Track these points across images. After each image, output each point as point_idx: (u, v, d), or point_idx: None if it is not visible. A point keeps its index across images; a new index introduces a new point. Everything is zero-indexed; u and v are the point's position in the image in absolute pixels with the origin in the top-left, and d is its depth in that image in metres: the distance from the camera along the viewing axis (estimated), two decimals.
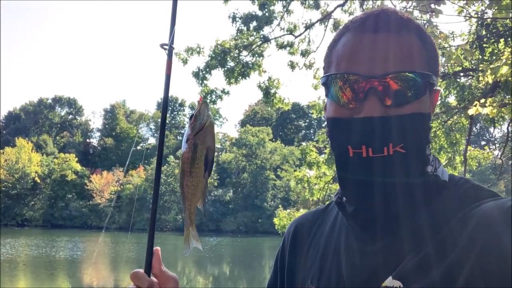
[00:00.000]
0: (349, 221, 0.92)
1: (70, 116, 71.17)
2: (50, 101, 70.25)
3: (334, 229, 0.99)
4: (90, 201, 52.74)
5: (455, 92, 7.82)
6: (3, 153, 52.32)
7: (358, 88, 0.83)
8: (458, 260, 0.70)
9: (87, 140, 68.39)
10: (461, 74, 7.27)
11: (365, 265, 0.85)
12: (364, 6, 8.25)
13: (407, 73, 0.82)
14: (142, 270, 0.95)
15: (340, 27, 0.93)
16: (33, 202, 52.75)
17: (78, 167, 55.67)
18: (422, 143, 0.85)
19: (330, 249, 0.96)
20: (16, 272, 19.80)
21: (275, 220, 9.80)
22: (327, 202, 1.13)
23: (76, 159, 56.61)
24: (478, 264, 0.67)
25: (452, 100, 8.33)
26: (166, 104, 1.02)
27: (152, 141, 66.75)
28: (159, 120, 1.02)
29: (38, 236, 38.82)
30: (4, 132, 64.74)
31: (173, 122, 68.07)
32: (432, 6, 2.98)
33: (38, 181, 53.09)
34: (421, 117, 0.84)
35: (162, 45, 1.02)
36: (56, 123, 68.54)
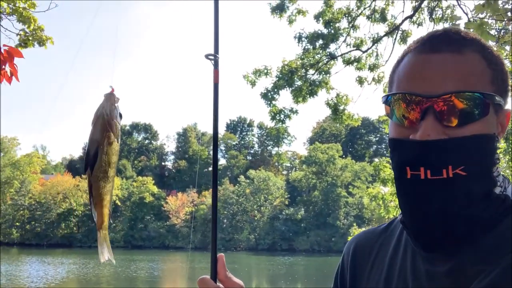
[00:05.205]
0: (414, 242, 0.90)
1: (147, 141, 74.64)
2: (128, 127, 74.38)
3: (399, 249, 0.97)
4: (167, 222, 54.67)
5: None
6: None
7: (416, 108, 0.83)
8: None
9: (162, 163, 71.32)
10: None
11: (433, 287, 0.84)
12: (434, 16, 8.00)
13: (467, 93, 0.80)
14: (208, 277, 0.98)
15: (405, 48, 0.94)
16: (114, 225, 55.61)
17: (155, 189, 58.04)
18: (486, 164, 0.83)
19: (395, 271, 0.93)
20: None
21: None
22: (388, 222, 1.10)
23: (153, 181, 59.11)
24: None
25: None
26: (217, 113, 1.05)
27: (223, 162, 68.23)
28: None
29: (120, 256, 40.77)
30: None
31: (242, 142, 69.09)
32: (510, 14, 2.83)
33: (119, 204, 56.03)
34: (483, 138, 0.82)
35: (207, 56, 1.04)
36: (134, 148, 72.22)
